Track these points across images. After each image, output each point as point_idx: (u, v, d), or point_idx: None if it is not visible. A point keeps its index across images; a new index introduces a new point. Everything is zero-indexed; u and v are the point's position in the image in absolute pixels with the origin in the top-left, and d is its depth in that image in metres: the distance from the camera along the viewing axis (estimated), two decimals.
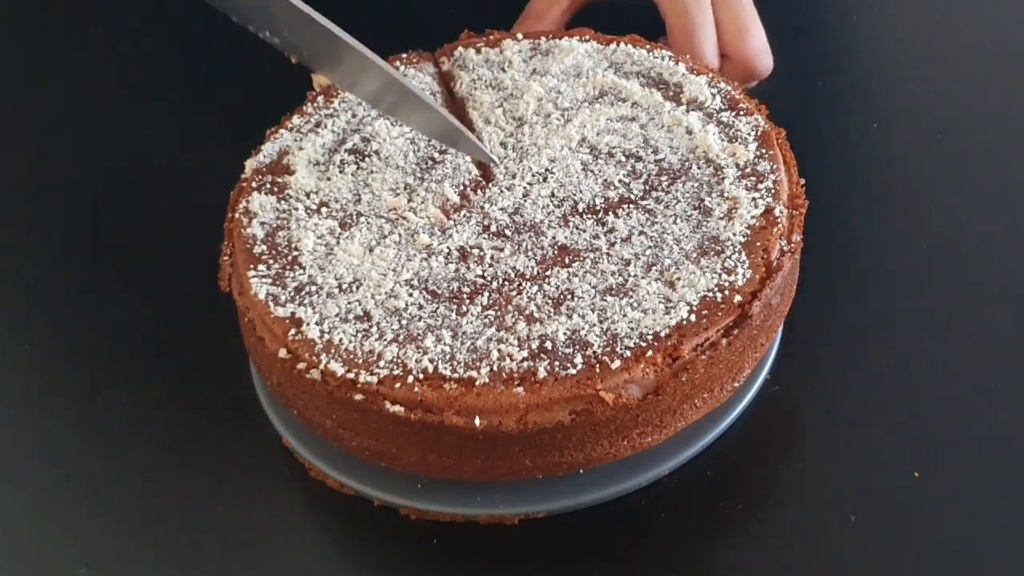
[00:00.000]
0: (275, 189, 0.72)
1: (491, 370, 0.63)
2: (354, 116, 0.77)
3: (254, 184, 0.73)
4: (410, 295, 0.66)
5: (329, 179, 0.73)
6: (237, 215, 0.72)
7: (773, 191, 0.70)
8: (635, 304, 0.65)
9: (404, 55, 0.81)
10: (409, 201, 0.71)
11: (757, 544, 0.67)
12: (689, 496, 0.68)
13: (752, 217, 0.68)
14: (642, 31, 0.81)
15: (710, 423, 0.69)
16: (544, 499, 0.67)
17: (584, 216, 0.70)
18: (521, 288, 0.66)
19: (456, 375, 0.63)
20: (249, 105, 0.79)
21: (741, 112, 0.74)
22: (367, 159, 0.74)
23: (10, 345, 0.79)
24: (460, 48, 0.80)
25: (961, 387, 0.72)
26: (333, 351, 0.64)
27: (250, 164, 0.74)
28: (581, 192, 0.71)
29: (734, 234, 0.68)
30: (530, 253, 0.68)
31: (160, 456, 0.72)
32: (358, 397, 0.63)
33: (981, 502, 0.67)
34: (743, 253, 0.67)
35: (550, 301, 0.65)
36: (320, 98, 0.78)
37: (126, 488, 0.71)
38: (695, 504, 0.68)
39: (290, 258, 0.69)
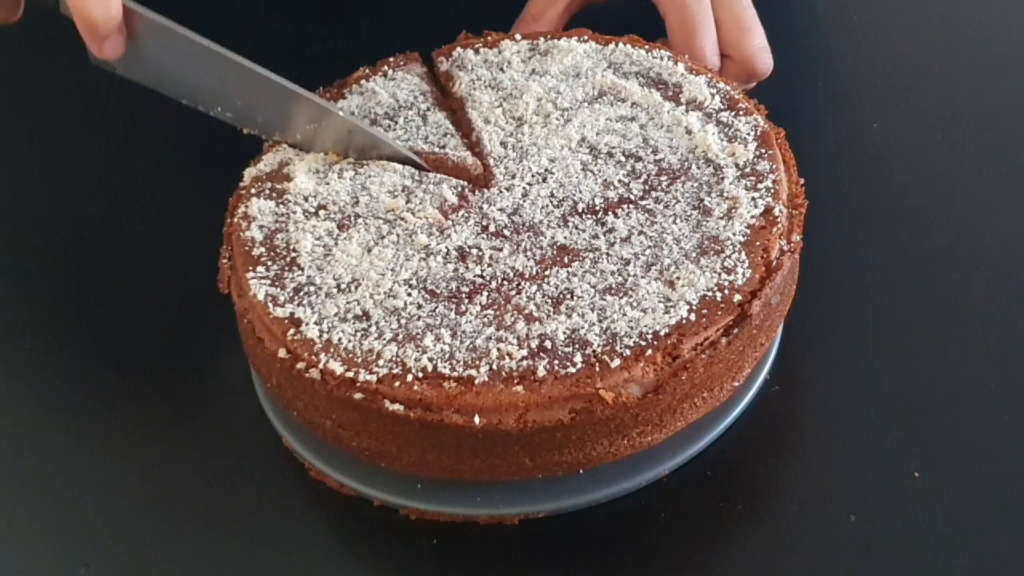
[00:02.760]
0: (274, 194, 0.73)
1: (490, 369, 0.63)
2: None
3: (253, 190, 0.73)
4: (409, 295, 0.66)
5: (328, 183, 0.73)
6: (236, 219, 0.72)
7: (773, 191, 0.70)
8: (635, 303, 0.65)
9: (391, 59, 0.81)
10: (407, 202, 0.71)
11: (757, 544, 0.67)
12: (689, 496, 0.68)
13: (752, 217, 0.68)
14: (640, 31, 0.81)
15: (710, 423, 0.69)
16: (544, 499, 0.67)
17: (583, 216, 0.70)
18: (520, 288, 0.66)
19: (455, 374, 0.63)
20: None
21: (740, 112, 0.74)
22: (365, 165, 0.74)
23: (11, 346, 0.79)
24: (459, 48, 0.80)
25: (961, 387, 0.72)
26: (332, 350, 0.64)
27: (249, 172, 0.74)
28: (580, 192, 0.71)
29: (734, 234, 0.68)
30: (529, 253, 0.68)
31: (160, 456, 0.72)
32: (357, 396, 0.63)
33: (981, 502, 0.67)
34: (743, 253, 0.67)
35: (549, 300, 0.65)
36: None
37: (126, 488, 0.71)
38: (695, 504, 0.68)
39: (288, 259, 0.69)
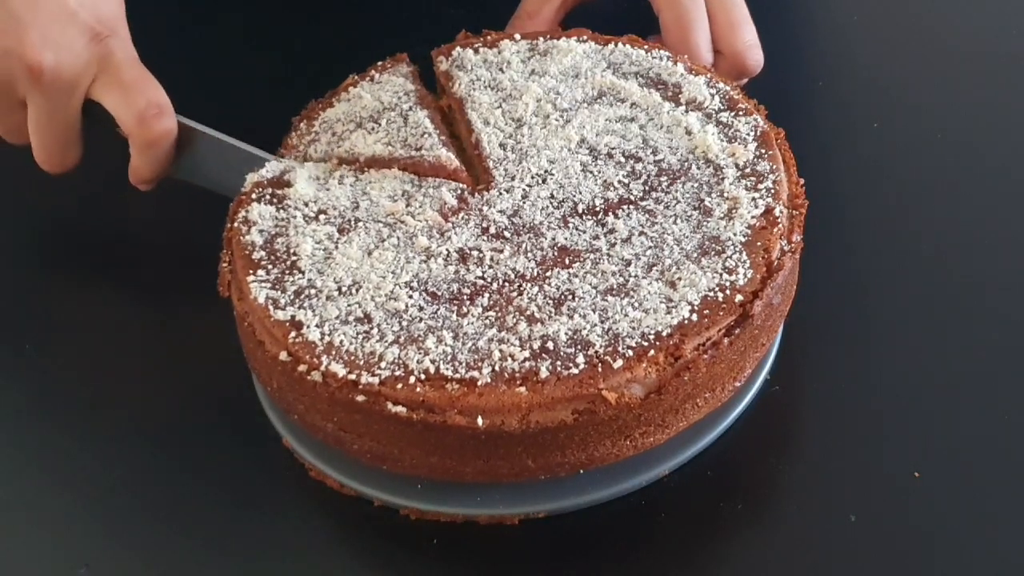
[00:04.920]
0: (274, 200, 0.73)
1: (493, 370, 0.63)
2: (334, 134, 0.77)
3: (254, 196, 0.73)
4: (410, 297, 0.66)
5: (328, 189, 0.73)
6: (236, 224, 0.72)
7: (773, 191, 0.70)
8: (636, 304, 0.65)
9: (379, 63, 0.81)
10: (407, 206, 0.71)
11: (757, 544, 0.67)
12: (689, 496, 0.68)
13: (752, 217, 0.68)
14: (635, 30, 0.81)
15: (710, 423, 0.69)
16: (544, 499, 0.68)
17: (584, 217, 0.70)
18: (521, 289, 0.66)
19: (458, 375, 0.63)
20: (247, 125, 0.80)
21: (740, 112, 0.74)
22: (366, 171, 0.74)
23: (11, 346, 0.79)
24: (458, 48, 0.80)
25: (961, 387, 0.72)
26: (334, 353, 0.64)
27: (251, 178, 0.74)
28: (581, 193, 0.71)
29: (734, 234, 0.68)
30: (530, 254, 0.68)
31: (160, 456, 0.72)
32: (360, 398, 0.63)
33: (981, 502, 0.67)
34: (744, 253, 0.67)
35: (551, 302, 0.66)
36: (303, 124, 0.78)
37: (126, 488, 0.71)
38: (695, 504, 0.68)
39: (289, 263, 0.69)
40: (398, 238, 0.70)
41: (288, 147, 0.77)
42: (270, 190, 0.73)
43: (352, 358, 0.64)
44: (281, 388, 0.67)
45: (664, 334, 0.64)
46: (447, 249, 0.69)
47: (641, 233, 0.68)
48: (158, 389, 0.75)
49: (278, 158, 0.76)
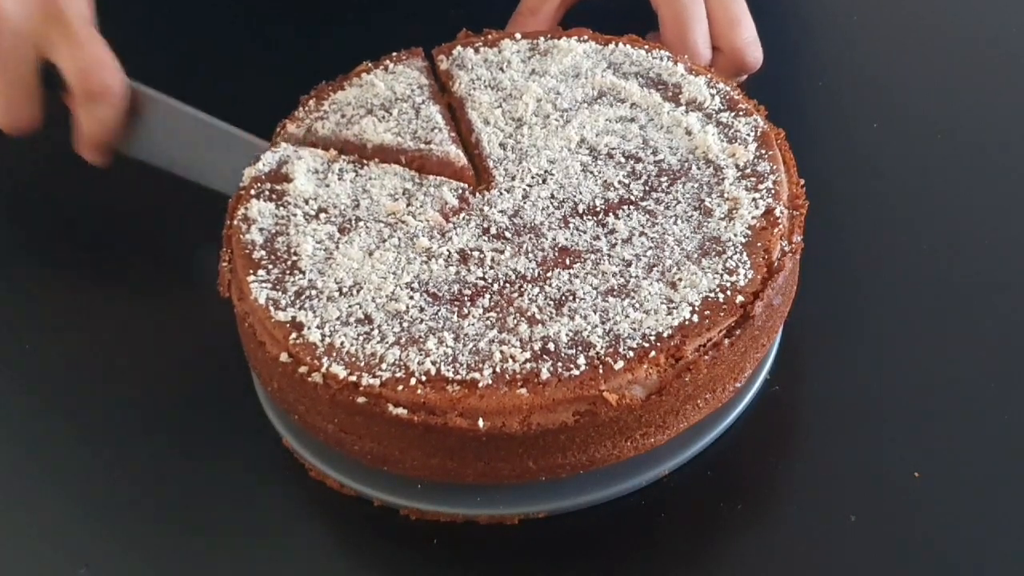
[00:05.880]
0: (273, 196, 0.72)
1: (494, 372, 0.63)
2: (343, 116, 0.77)
3: (252, 192, 0.73)
4: (411, 298, 0.66)
5: (328, 186, 0.73)
6: (236, 222, 0.72)
7: (773, 191, 0.70)
8: (637, 305, 0.65)
9: (394, 54, 0.81)
10: (408, 205, 0.71)
11: (757, 544, 0.67)
12: (689, 496, 0.68)
13: (753, 218, 0.68)
14: (635, 28, 0.81)
15: (710, 423, 0.69)
16: (544, 499, 0.68)
17: (584, 217, 0.70)
18: (522, 290, 0.66)
19: (459, 377, 0.63)
20: (246, 114, 0.79)
21: (740, 113, 0.74)
22: (365, 166, 0.74)
23: (11, 347, 0.79)
24: (458, 47, 0.80)
25: (961, 387, 0.72)
26: (335, 354, 0.64)
27: (248, 172, 0.74)
28: (581, 193, 0.71)
29: (735, 235, 0.68)
30: (530, 255, 0.68)
31: (160, 456, 0.72)
32: (360, 400, 0.63)
33: (981, 502, 0.67)
34: (744, 253, 0.67)
35: (551, 302, 0.66)
36: (312, 101, 0.78)
37: (126, 488, 0.71)
38: (695, 504, 0.68)
39: (289, 263, 0.69)
40: (399, 238, 0.70)
41: (294, 119, 0.77)
42: (268, 185, 0.73)
43: (353, 359, 0.64)
44: (282, 389, 0.67)
45: (665, 335, 0.64)
46: (448, 250, 0.69)
47: (641, 234, 0.68)
48: (158, 389, 0.75)
49: (260, 139, 0.75)
